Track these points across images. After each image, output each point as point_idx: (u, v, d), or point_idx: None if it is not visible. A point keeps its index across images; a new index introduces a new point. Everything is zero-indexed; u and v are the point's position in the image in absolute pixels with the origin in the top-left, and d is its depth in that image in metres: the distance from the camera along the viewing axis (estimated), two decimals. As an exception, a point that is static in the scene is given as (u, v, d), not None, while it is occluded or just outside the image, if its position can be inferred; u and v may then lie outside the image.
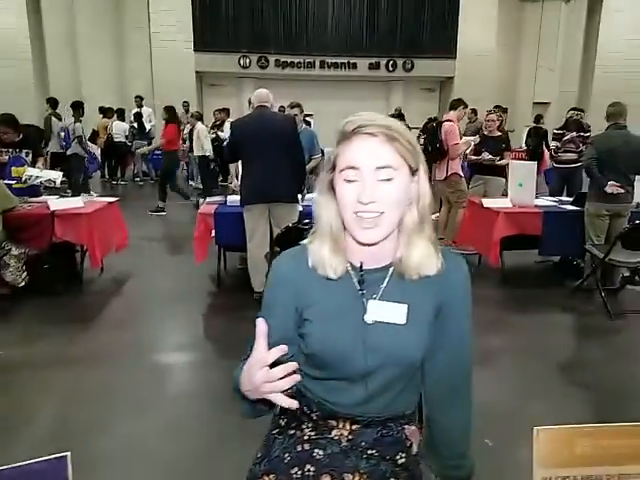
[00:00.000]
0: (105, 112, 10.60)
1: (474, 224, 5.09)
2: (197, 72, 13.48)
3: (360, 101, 13.04)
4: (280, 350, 0.82)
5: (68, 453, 0.77)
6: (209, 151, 8.65)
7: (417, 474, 1.09)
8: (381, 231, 0.94)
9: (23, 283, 4.08)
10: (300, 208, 4.28)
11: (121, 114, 10.75)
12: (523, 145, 9.96)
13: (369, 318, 0.99)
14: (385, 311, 0.99)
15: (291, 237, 3.58)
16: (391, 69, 13.77)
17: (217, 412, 2.69)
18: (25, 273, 4.11)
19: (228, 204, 4.65)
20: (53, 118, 9.00)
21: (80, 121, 8.98)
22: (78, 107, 8.94)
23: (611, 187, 4.14)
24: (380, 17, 13.51)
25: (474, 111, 7.89)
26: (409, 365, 1.01)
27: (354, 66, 13.65)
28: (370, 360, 0.99)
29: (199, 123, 8.84)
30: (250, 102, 4.90)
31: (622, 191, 4.17)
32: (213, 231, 4.44)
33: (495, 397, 2.95)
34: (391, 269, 1.01)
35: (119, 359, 3.29)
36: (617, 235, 4.06)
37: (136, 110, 10.89)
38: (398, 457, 1.06)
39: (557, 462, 0.81)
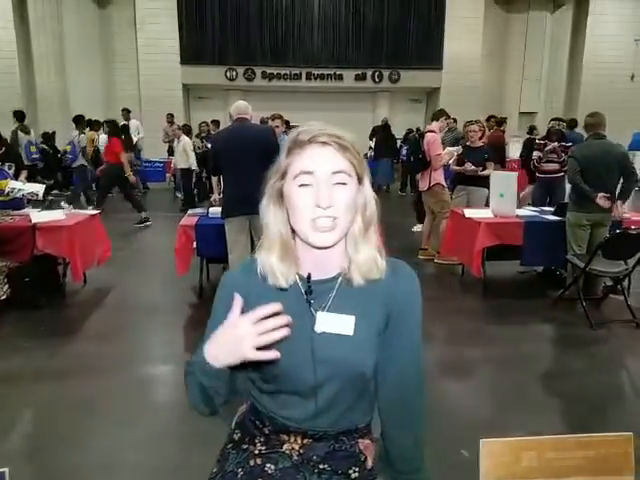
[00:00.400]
0: (92, 125, 10.57)
1: (456, 234, 5.11)
2: (184, 85, 13.52)
3: (346, 112, 13.13)
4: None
5: (6, 469, 0.76)
6: (194, 165, 8.65)
7: None
8: (336, 234, 0.95)
9: (4, 296, 4.05)
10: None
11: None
12: (511, 155, 10.06)
13: (318, 329, 0.99)
14: (333, 322, 0.99)
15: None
16: (377, 80, 13.89)
17: (200, 424, 2.66)
18: (7, 286, 4.08)
19: (210, 216, 4.64)
20: (19, 132, 9.01)
21: (84, 133, 9.08)
22: (80, 120, 9.25)
23: (601, 199, 4.14)
24: (366, 28, 13.63)
25: (454, 120, 7.98)
26: (358, 377, 1.00)
27: (340, 77, 13.75)
28: (319, 372, 0.98)
29: (184, 136, 8.84)
30: (230, 115, 4.91)
31: (610, 203, 4.18)
32: (194, 243, 4.43)
33: (474, 408, 2.95)
34: (339, 279, 1.01)
35: (100, 372, 3.25)
36: (597, 245, 4.09)
37: (123, 123, 10.88)
38: (351, 472, 1.05)
39: (503, 474, 0.81)
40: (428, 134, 5.42)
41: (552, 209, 5.16)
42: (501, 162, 8.68)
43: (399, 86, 14.05)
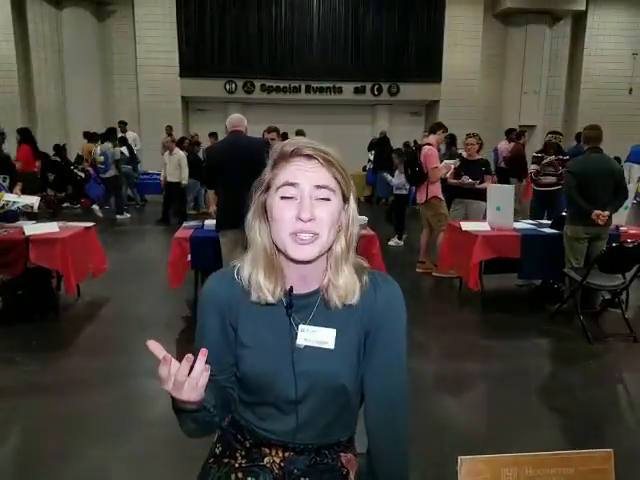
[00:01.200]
0: (90, 137, 10.63)
1: (453, 248, 5.08)
2: (183, 97, 13.59)
3: (346, 125, 13.19)
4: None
5: None
6: (185, 179, 8.60)
7: None
8: (316, 249, 0.93)
9: (-3, 309, 4.02)
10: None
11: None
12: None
13: (299, 342, 0.98)
14: (314, 336, 0.98)
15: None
16: (377, 93, 13.94)
17: (190, 441, 2.61)
18: (-1, 299, 4.06)
19: (205, 228, 4.63)
20: None
21: (117, 145, 9.24)
22: (112, 133, 9.53)
23: (596, 215, 4.14)
24: (365, 42, 13.70)
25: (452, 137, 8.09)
26: (339, 390, 0.99)
27: (340, 90, 13.80)
28: (300, 385, 0.98)
29: (178, 149, 8.81)
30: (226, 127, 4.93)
31: (605, 220, 4.16)
32: (189, 255, 4.40)
33: (470, 423, 2.90)
34: (320, 294, 1.00)
35: (91, 387, 3.21)
36: (594, 258, 4.06)
37: (121, 135, 10.94)
38: None
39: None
40: (425, 147, 5.43)
41: (549, 222, 5.14)
42: (523, 173, 8.73)
43: (398, 99, 14.10)
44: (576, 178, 4.25)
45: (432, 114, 14.54)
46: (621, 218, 4.82)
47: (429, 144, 5.47)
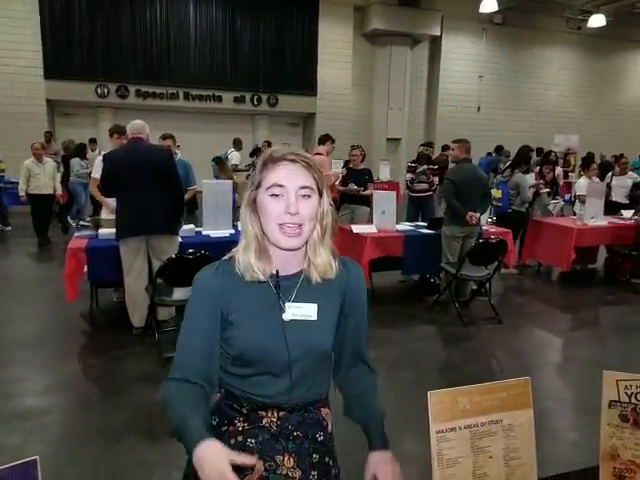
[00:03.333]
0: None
1: (344, 249, 5.49)
2: (48, 100, 12.60)
3: (226, 133, 13.19)
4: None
5: (37, 457, 0.80)
6: (59, 189, 8.00)
7: (333, 450, 1.30)
8: (301, 239, 1.13)
9: None
10: (180, 239, 4.29)
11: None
12: (381, 177, 10.93)
13: (286, 317, 1.17)
14: (300, 311, 1.18)
15: (176, 267, 3.59)
16: (256, 103, 14.18)
17: (106, 449, 2.61)
18: None
19: (100, 237, 4.47)
20: None
21: None
22: None
23: (469, 217, 4.82)
24: (243, 52, 13.82)
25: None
26: (323, 353, 1.21)
27: (219, 99, 13.79)
28: (292, 352, 1.16)
29: (47, 157, 8.16)
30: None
31: (477, 220, 4.87)
32: (85, 267, 4.24)
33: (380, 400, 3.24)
34: (302, 275, 1.21)
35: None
36: (466, 252, 4.71)
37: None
38: (318, 435, 1.24)
39: (445, 417, 1.05)
40: (316, 156, 5.77)
41: (425, 224, 5.79)
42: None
43: (277, 110, 14.48)
44: (454, 185, 4.91)
45: (309, 126, 15.16)
46: (484, 219, 5.62)
47: (319, 154, 5.84)
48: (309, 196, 1.13)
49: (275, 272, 1.18)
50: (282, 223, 1.11)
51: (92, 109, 13.20)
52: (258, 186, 1.15)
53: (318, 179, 1.16)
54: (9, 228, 8.88)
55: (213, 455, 0.98)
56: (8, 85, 12.01)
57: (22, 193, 7.72)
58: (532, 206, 6.48)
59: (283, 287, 1.19)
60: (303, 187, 1.12)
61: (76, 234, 4.77)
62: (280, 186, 1.11)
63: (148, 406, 3.09)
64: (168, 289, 3.83)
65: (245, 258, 1.16)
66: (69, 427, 2.93)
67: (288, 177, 1.12)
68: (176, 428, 1.07)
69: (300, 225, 1.12)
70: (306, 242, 1.18)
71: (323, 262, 1.18)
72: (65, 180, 8.63)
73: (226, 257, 1.22)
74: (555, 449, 2.74)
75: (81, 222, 8.64)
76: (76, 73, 12.55)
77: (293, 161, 1.13)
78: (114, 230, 4.06)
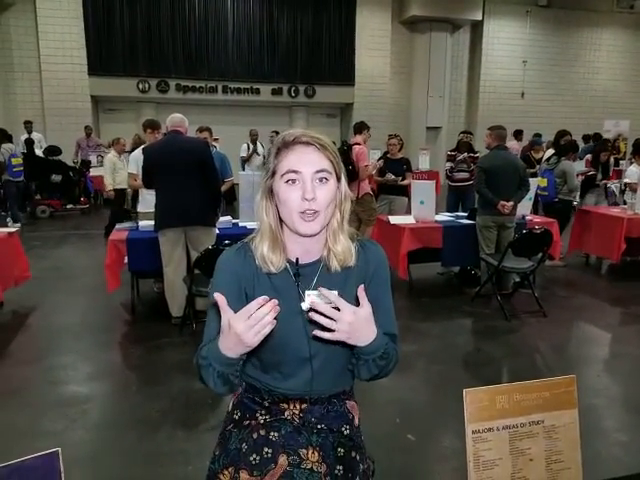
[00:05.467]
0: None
1: (382, 240, 5.40)
2: (92, 97, 12.97)
3: (264, 126, 13.20)
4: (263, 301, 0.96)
5: (59, 449, 0.80)
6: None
7: (360, 444, 1.24)
8: (319, 224, 1.09)
9: None
10: (217, 231, 4.32)
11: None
12: (420, 167, 10.73)
13: (305, 306, 1.11)
14: (319, 299, 1.11)
15: (213, 258, 3.61)
16: (294, 95, 14.16)
17: (144, 436, 2.65)
18: None
19: (140, 229, 4.57)
20: None
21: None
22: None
23: (501, 205, 4.63)
24: (280, 44, 13.84)
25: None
26: (344, 342, 1.13)
27: (257, 91, 13.85)
28: (312, 342, 1.12)
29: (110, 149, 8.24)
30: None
31: (510, 209, 4.66)
32: (126, 258, 4.33)
33: (414, 397, 3.18)
34: (322, 263, 1.16)
35: (24, 394, 3.11)
36: (508, 244, 4.54)
37: (26, 136, 10.24)
38: (343, 429, 1.20)
39: (482, 417, 0.98)
40: (356, 146, 5.68)
41: (465, 214, 5.63)
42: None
43: (315, 101, 14.42)
44: (485, 173, 4.74)
45: (347, 117, 15.03)
46: (527, 208, 5.42)
47: (358, 144, 5.75)
48: (326, 179, 1.09)
49: (295, 260, 1.15)
50: (302, 210, 1.07)
51: (134, 104, 13.48)
52: (273, 174, 1.11)
53: (334, 161, 1.11)
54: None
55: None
56: (56, 83, 12.44)
57: (110, 188, 7.27)
58: (585, 195, 6.20)
59: (303, 275, 1.15)
60: (319, 171, 1.08)
61: (117, 226, 4.88)
62: (295, 172, 1.07)
63: (186, 395, 3.13)
64: (205, 280, 3.86)
65: (259, 248, 1.13)
66: (109, 414, 3.00)
67: (302, 161, 1.08)
68: (211, 360, 1.06)
69: (317, 211, 1.08)
70: (325, 229, 1.14)
71: (343, 250, 1.14)
72: None
73: (247, 239, 1.19)
74: (603, 451, 2.60)
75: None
76: (118, 69, 12.86)
77: (307, 143, 1.09)
78: (153, 222, 4.13)
